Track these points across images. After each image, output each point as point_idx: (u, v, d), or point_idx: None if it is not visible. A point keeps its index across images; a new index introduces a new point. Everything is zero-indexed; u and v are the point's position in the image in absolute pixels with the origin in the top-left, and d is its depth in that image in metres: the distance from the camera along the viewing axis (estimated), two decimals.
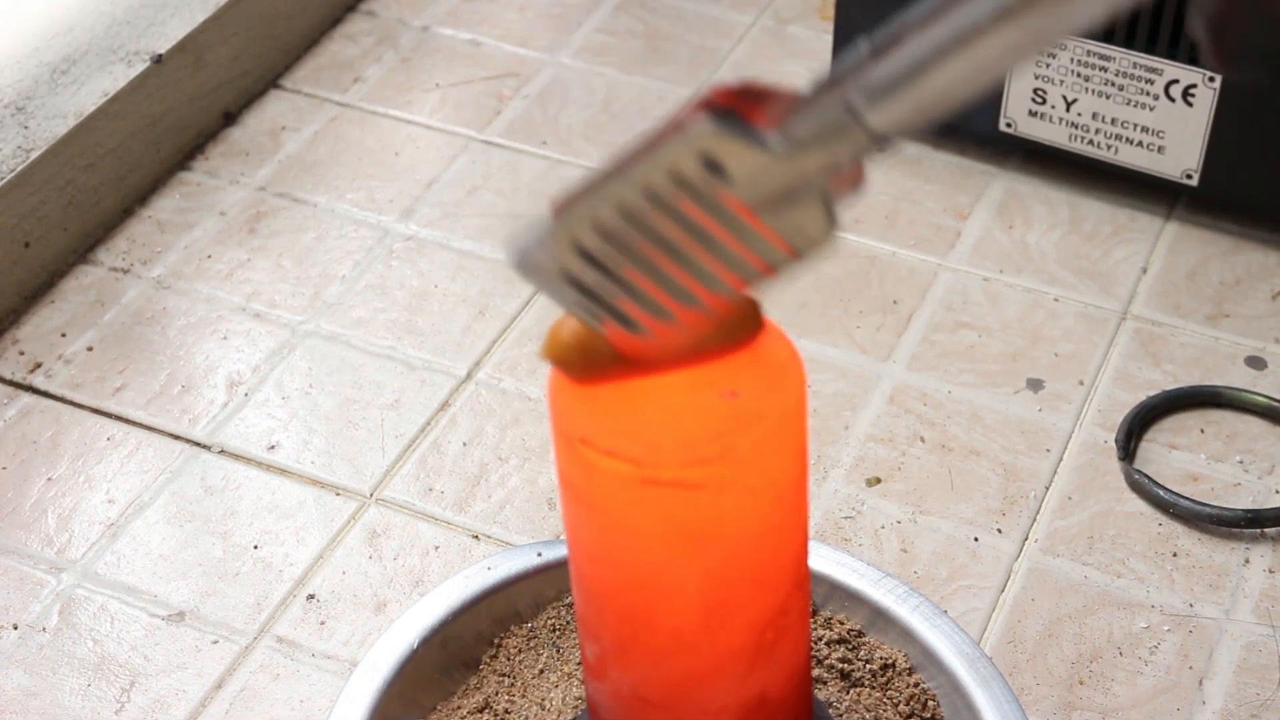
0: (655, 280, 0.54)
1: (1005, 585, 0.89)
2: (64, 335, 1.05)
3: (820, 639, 0.78)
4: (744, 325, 0.57)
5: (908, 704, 0.76)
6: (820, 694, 0.76)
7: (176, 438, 0.98)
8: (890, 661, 0.77)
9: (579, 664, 0.78)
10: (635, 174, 0.52)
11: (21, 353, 1.04)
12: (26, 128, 1.09)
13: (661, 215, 0.52)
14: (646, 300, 0.54)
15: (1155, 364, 1.01)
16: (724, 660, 0.62)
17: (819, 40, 1.27)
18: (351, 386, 1.01)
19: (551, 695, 0.77)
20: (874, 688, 0.76)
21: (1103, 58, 1.06)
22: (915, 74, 0.49)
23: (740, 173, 0.51)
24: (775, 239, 0.52)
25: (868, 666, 0.77)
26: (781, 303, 1.06)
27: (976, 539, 0.92)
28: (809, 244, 0.53)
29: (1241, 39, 0.49)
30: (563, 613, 0.80)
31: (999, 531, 0.92)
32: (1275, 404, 0.98)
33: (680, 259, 0.53)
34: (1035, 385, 1.00)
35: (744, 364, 0.57)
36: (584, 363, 0.56)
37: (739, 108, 0.51)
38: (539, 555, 0.80)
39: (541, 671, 0.78)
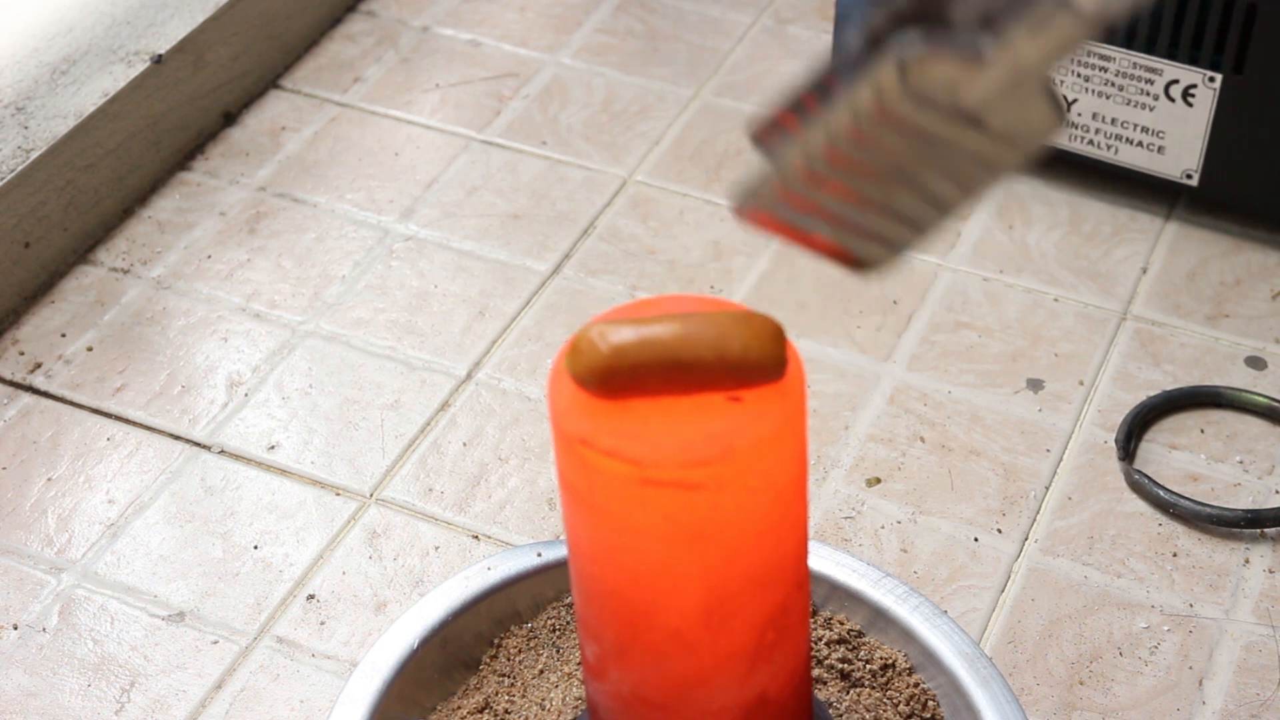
0: (887, 202, 0.52)
1: (1005, 585, 0.89)
2: (64, 335, 1.05)
3: (820, 639, 0.78)
4: (771, 366, 0.56)
5: (908, 704, 0.76)
6: (820, 694, 0.76)
7: (176, 438, 0.98)
8: (890, 662, 0.77)
9: (579, 664, 0.78)
10: (847, 103, 0.50)
11: (21, 353, 1.04)
12: (27, 128, 1.09)
13: (884, 135, 0.50)
14: (879, 222, 0.53)
15: (1155, 364, 1.01)
16: (724, 660, 0.62)
17: (819, 40, 1.27)
18: (351, 387, 1.01)
19: (551, 695, 0.77)
20: (874, 688, 0.76)
21: (1103, 58, 1.06)
22: None
23: (957, 85, 0.49)
24: (1003, 139, 0.50)
25: (868, 666, 0.77)
26: (781, 303, 1.06)
27: (976, 539, 0.92)
28: (1037, 136, 0.51)
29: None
30: (563, 613, 0.80)
31: (999, 531, 0.92)
32: (1275, 404, 0.98)
33: (909, 177, 0.51)
34: (1035, 385, 1.00)
35: None
36: (601, 380, 0.56)
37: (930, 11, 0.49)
38: (539, 555, 0.80)
39: (541, 672, 0.78)
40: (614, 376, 0.55)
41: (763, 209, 0.53)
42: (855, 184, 0.52)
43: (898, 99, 0.49)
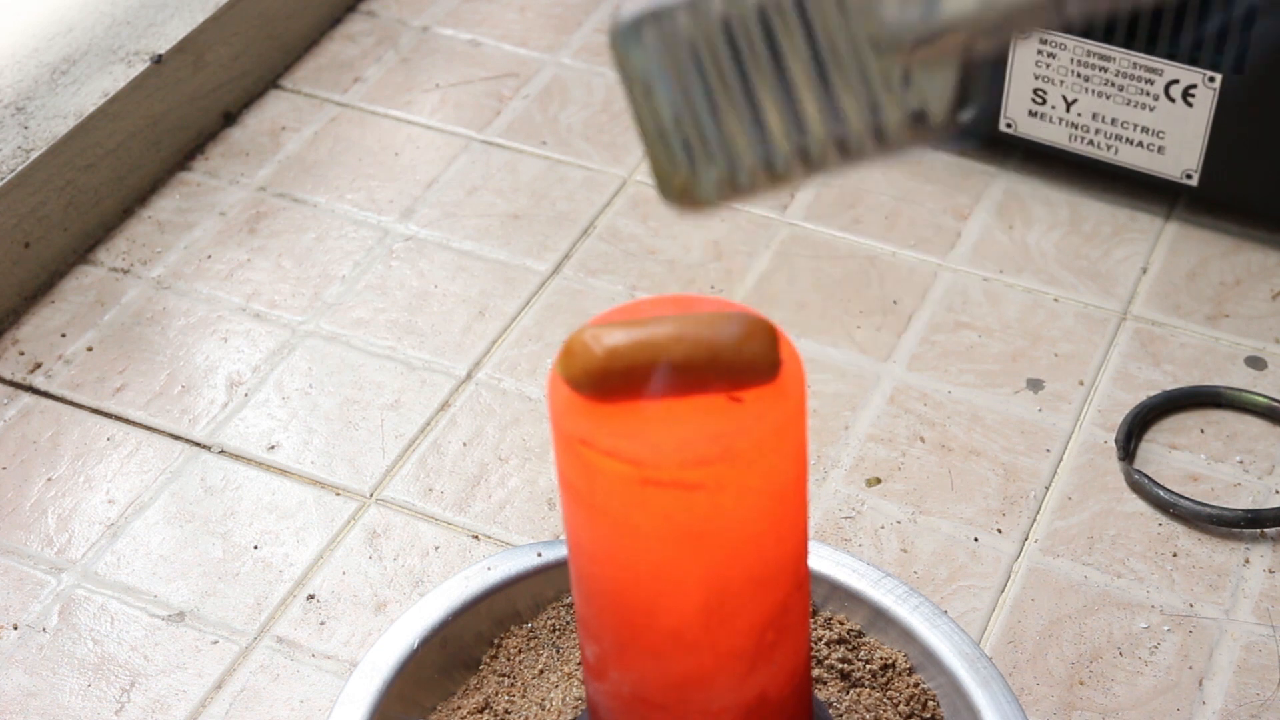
0: (744, 105, 0.45)
1: (1005, 585, 0.89)
2: (64, 335, 1.05)
3: (820, 639, 0.78)
4: (765, 367, 0.56)
5: (908, 704, 0.76)
6: (820, 694, 0.76)
7: (176, 438, 0.98)
8: (890, 662, 0.77)
9: (579, 664, 0.78)
10: None
11: (21, 353, 1.04)
12: (26, 128, 1.09)
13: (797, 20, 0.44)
14: (759, 127, 0.45)
15: (1155, 364, 1.01)
16: (724, 660, 0.62)
17: None
18: (351, 387, 1.01)
19: (551, 695, 0.77)
20: (874, 688, 0.76)
21: (1103, 58, 1.06)
22: None
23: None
24: (897, 97, 0.44)
25: (867, 667, 0.77)
26: (781, 303, 1.06)
27: (976, 539, 0.92)
28: (926, 113, 0.44)
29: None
30: (563, 613, 0.80)
31: (999, 532, 0.92)
32: (1275, 404, 0.98)
33: (785, 84, 0.44)
34: (1035, 385, 1.00)
35: None
36: (596, 383, 0.56)
37: None
38: (539, 555, 0.80)
39: (541, 672, 0.78)
40: (608, 379, 0.55)
41: (631, 43, 0.46)
42: (737, 61, 0.45)
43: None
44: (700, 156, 0.46)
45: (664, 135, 0.46)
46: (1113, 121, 1.08)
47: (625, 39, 0.46)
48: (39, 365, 1.03)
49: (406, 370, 1.02)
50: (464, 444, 0.98)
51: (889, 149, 0.45)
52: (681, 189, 0.47)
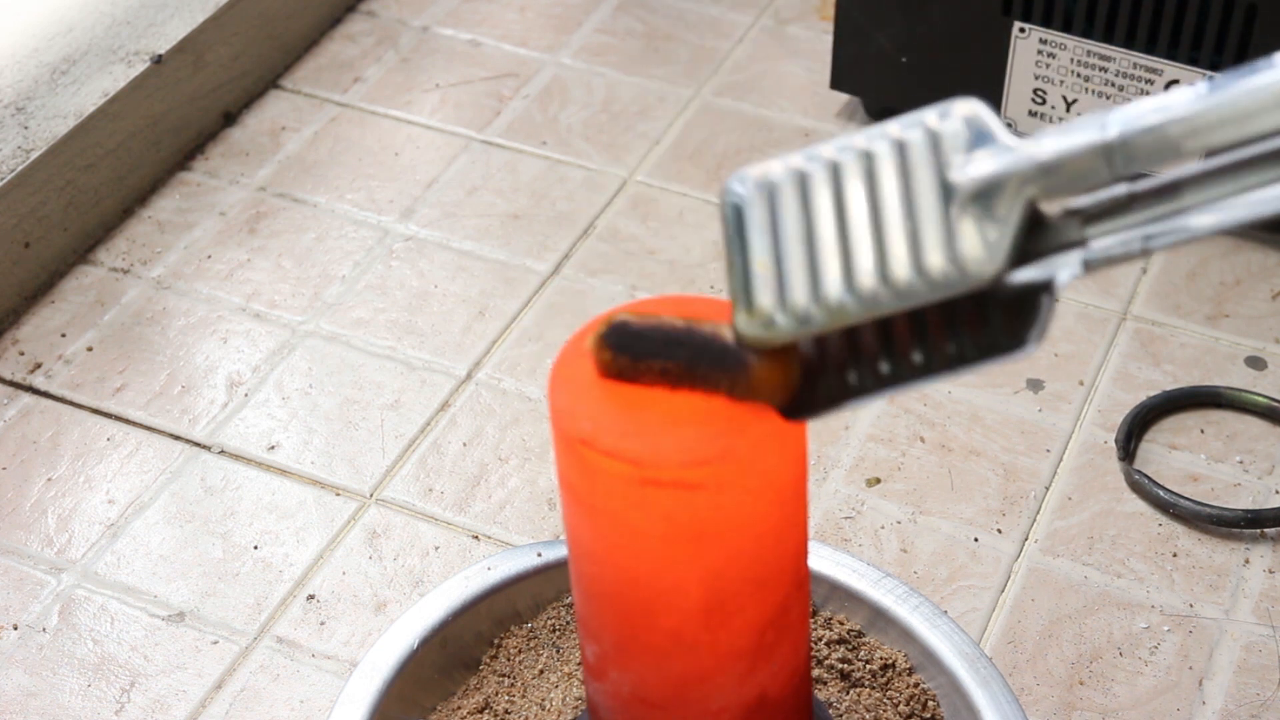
0: (816, 255, 0.51)
1: (1005, 585, 0.89)
2: (64, 335, 1.05)
3: (820, 639, 0.78)
4: (774, 409, 0.56)
5: (907, 704, 0.76)
6: (820, 694, 0.76)
7: (176, 438, 0.98)
8: (890, 662, 0.77)
9: (579, 664, 0.78)
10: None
11: (21, 353, 1.04)
12: (26, 128, 1.09)
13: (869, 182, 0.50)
14: (794, 278, 0.51)
15: (1155, 364, 1.01)
16: (724, 661, 0.62)
17: (819, 40, 1.27)
18: (351, 387, 1.01)
19: (551, 696, 0.77)
20: (874, 688, 0.76)
21: (1102, 58, 1.06)
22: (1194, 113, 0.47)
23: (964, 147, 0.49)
24: (944, 241, 0.49)
25: (867, 667, 0.77)
26: None
27: (976, 539, 0.92)
28: (972, 264, 0.49)
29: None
30: (562, 613, 0.80)
31: (999, 532, 0.92)
32: (1275, 404, 0.98)
33: (849, 237, 0.50)
34: (1035, 385, 1.00)
35: None
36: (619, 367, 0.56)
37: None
38: (539, 555, 0.80)
39: (541, 672, 0.78)
40: (635, 342, 0.55)
41: (740, 194, 0.52)
42: (814, 217, 0.51)
43: (923, 143, 0.49)
44: (783, 303, 0.52)
45: (749, 280, 0.52)
46: None
47: (734, 205, 0.52)
48: (39, 365, 1.03)
49: (406, 370, 1.02)
50: (464, 444, 0.98)
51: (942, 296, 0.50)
52: (763, 325, 0.52)
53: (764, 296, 0.52)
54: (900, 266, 0.50)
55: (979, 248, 0.49)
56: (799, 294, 0.51)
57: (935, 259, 0.49)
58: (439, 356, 1.03)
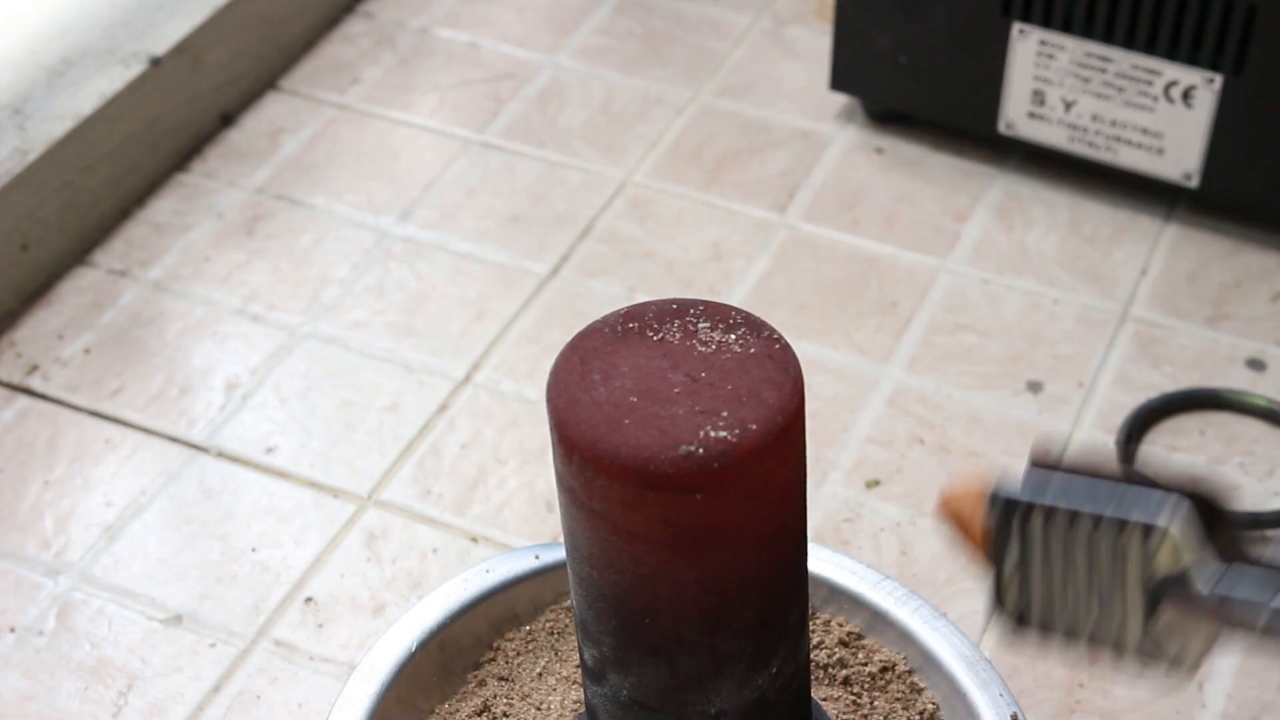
0: (1053, 586, 0.57)
1: None
2: (61, 337, 1.05)
3: (819, 642, 0.78)
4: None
5: (907, 707, 0.75)
6: (819, 696, 0.76)
7: (174, 440, 0.98)
8: (889, 664, 0.77)
9: (577, 667, 0.77)
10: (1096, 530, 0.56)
11: (19, 355, 1.04)
12: (24, 130, 1.09)
13: (1092, 548, 0.56)
14: (1038, 595, 0.58)
15: (1155, 366, 1.01)
16: (723, 663, 0.62)
17: (818, 41, 1.27)
18: (349, 389, 1.01)
19: (550, 699, 0.76)
20: (873, 690, 0.76)
21: (1102, 59, 1.06)
22: None
23: (1167, 567, 0.54)
24: (1148, 638, 0.55)
25: (867, 669, 0.77)
26: (780, 304, 1.06)
27: None
28: (1169, 663, 0.55)
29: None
30: (561, 616, 0.80)
31: None
32: (1275, 406, 0.97)
33: (1080, 587, 0.56)
34: (1035, 387, 1.00)
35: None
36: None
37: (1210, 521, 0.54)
38: (537, 558, 0.80)
39: (540, 675, 0.78)
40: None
41: (994, 512, 0.58)
42: (1054, 557, 0.57)
43: (1135, 543, 0.54)
44: (1015, 595, 0.58)
45: (1006, 578, 0.58)
46: (1112, 123, 1.08)
47: (1000, 510, 0.58)
48: (36, 367, 1.03)
49: (405, 372, 1.02)
50: (462, 446, 0.98)
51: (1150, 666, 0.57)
52: (1013, 615, 0.59)
53: (1013, 601, 0.59)
54: (1109, 641, 0.57)
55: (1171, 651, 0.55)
56: (1037, 614, 0.58)
57: (1132, 655, 0.56)
58: (437, 358, 1.03)
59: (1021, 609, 0.59)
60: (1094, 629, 0.57)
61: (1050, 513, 0.57)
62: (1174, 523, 0.54)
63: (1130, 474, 0.56)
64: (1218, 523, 0.54)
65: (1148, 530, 0.54)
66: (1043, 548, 0.57)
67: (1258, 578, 0.53)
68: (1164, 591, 0.54)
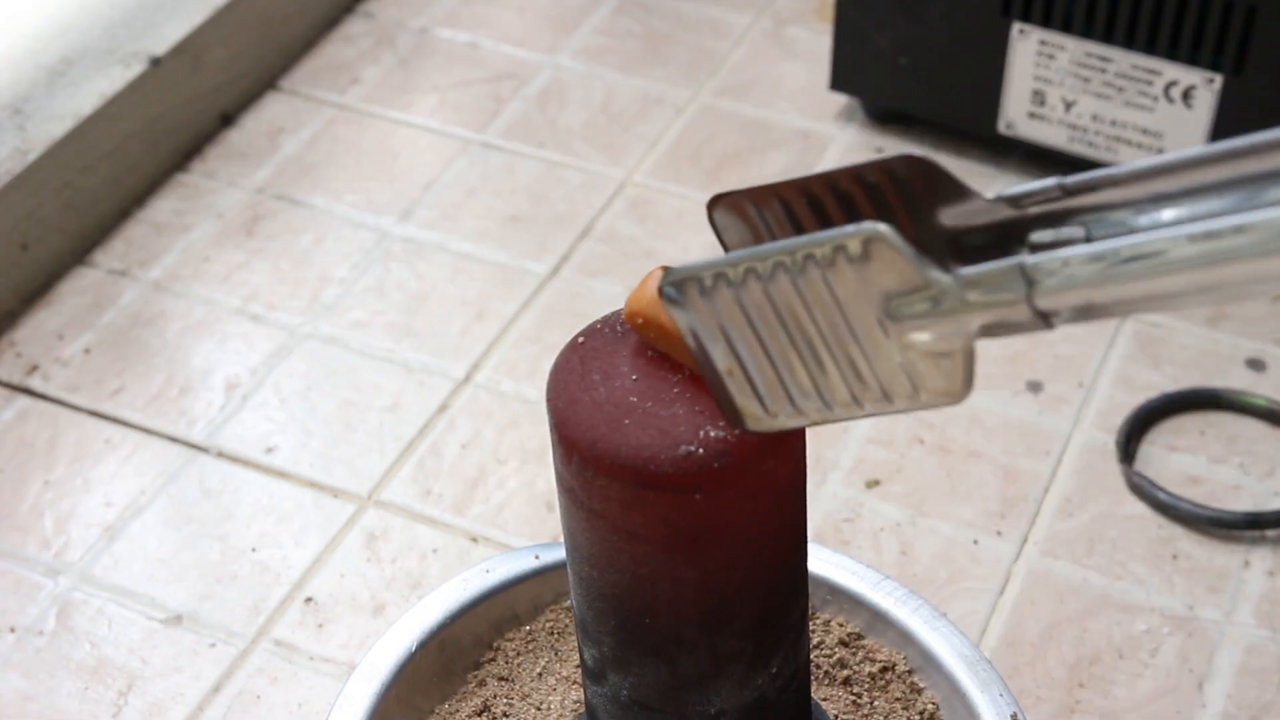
0: (780, 366, 0.52)
1: (1005, 588, 0.89)
2: (61, 337, 1.05)
3: (819, 642, 0.78)
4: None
5: (907, 707, 0.75)
6: (819, 696, 0.76)
7: (174, 440, 0.98)
8: (889, 664, 0.77)
9: (577, 667, 0.77)
10: (805, 245, 0.49)
11: (19, 355, 1.04)
12: (24, 129, 1.09)
13: (814, 295, 0.49)
14: (766, 384, 0.52)
15: (1155, 366, 1.01)
16: (723, 664, 0.62)
17: (818, 42, 1.27)
18: (349, 389, 1.01)
19: (550, 699, 0.76)
20: (873, 690, 0.76)
21: (1102, 59, 1.06)
22: (1101, 280, 0.48)
23: (891, 281, 0.48)
24: (902, 372, 0.49)
25: (867, 669, 0.77)
26: None
27: (976, 541, 0.91)
28: (934, 395, 0.49)
29: None
30: (561, 616, 0.80)
31: (998, 534, 0.92)
32: (1275, 406, 0.97)
33: (810, 356, 0.51)
34: (1035, 387, 1.00)
35: None
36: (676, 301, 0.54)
37: (920, 194, 0.49)
38: (537, 558, 0.80)
39: (540, 675, 0.78)
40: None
41: (677, 303, 0.52)
42: (764, 330, 0.51)
43: (847, 271, 0.48)
44: (746, 393, 0.53)
45: (713, 374, 0.53)
46: (1112, 123, 1.08)
47: (669, 296, 0.52)
48: (36, 367, 1.03)
49: (405, 372, 1.02)
50: (462, 446, 0.98)
51: (902, 409, 0.51)
52: (734, 415, 0.54)
53: (747, 402, 0.53)
54: (873, 400, 0.50)
55: (940, 382, 0.49)
56: (779, 405, 0.52)
57: (902, 402, 0.50)
58: (437, 358, 1.03)
59: (759, 402, 0.52)
60: (839, 388, 0.50)
61: (730, 273, 0.50)
62: (876, 226, 0.46)
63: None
64: (930, 196, 0.48)
65: (845, 249, 0.47)
66: (746, 322, 0.50)
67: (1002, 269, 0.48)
68: (900, 310, 0.48)
